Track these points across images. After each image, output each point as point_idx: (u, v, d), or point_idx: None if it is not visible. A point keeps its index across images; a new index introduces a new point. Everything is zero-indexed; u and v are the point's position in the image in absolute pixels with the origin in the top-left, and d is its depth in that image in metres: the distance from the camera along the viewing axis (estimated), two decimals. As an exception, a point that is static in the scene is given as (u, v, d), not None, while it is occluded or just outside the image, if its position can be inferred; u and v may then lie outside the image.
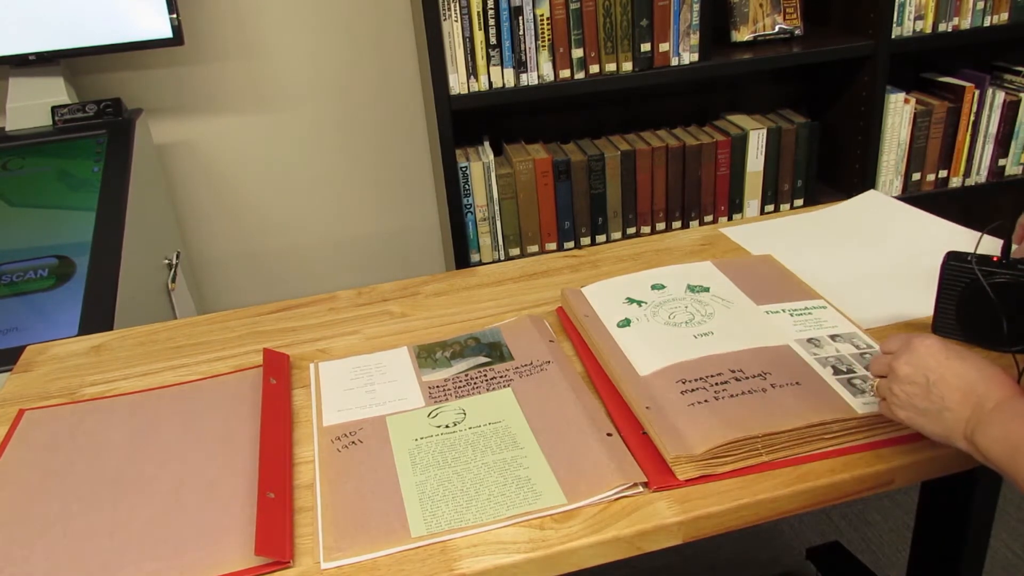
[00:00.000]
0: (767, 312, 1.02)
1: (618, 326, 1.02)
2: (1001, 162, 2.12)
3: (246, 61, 2.01)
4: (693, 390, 0.87)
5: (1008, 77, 2.11)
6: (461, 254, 1.95)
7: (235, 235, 2.18)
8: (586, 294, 1.11)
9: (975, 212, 2.33)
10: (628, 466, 0.81)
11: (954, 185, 2.13)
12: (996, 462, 0.66)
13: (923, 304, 1.02)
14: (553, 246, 2.00)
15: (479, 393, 0.96)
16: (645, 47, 1.84)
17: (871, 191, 1.32)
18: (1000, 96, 2.04)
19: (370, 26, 2.03)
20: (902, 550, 1.71)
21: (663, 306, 1.06)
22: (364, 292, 1.24)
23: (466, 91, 1.79)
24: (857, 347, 0.94)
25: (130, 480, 0.87)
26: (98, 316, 1.37)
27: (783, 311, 1.02)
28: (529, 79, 1.81)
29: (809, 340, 0.96)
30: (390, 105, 2.12)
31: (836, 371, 0.89)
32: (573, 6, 1.77)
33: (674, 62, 1.87)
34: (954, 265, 0.93)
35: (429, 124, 2.06)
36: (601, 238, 2.01)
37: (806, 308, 1.03)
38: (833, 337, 0.96)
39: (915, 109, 2.02)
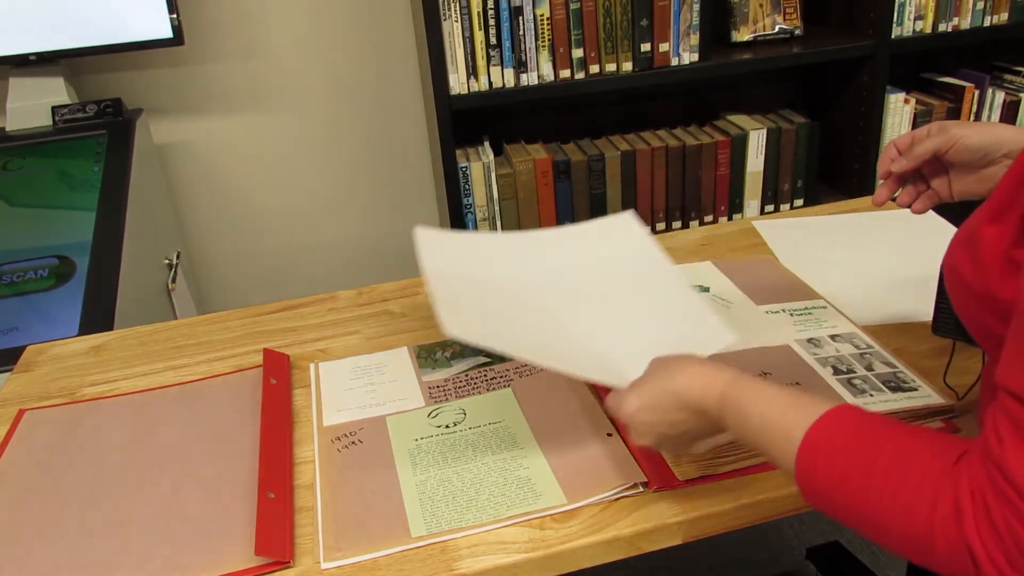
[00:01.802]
0: (767, 312, 1.02)
1: (618, 326, 1.02)
2: (1001, 162, 2.12)
3: (246, 61, 2.01)
4: (693, 390, 0.87)
5: (1008, 77, 2.11)
6: (461, 254, 1.95)
7: (235, 235, 2.18)
8: (586, 294, 1.10)
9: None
10: (628, 466, 0.81)
11: (954, 185, 2.12)
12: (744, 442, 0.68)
13: (923, 304, 1.02)
14: (553, 246, 1.99)
15: (479, 393, 0.96)
16: (645, 47, 1.84)
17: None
18: (1000, 96, 2.04)
19: (370, 26, 2.03)
20: (902, 550, 1.71)
21: (663, 306, 1.06)
22: (364, 292, 1.24)
23: (466, 91, 1.79)
24: (857, 347, 0.94)
25: (130, 480, 0.87)
26: (98, 316, 1.37)
27: (783, 311, 1.02)
28: (529, 79, 1.81)
29: (809, 340, 0.96)
30: (390, 105, 2.12)
31: (836, 371, 0.89)
32: (573, 6, 1.77)
33: (674, 62, 1.87)
34: (954, 265, 0.93)
35: (429, 124, 2.06)
36: (601, 238, 2.01)
37: (806, 308, 1.03)
38: (833, 337, 0.96)
39: (915, 109, 2.02)
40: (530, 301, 0.89)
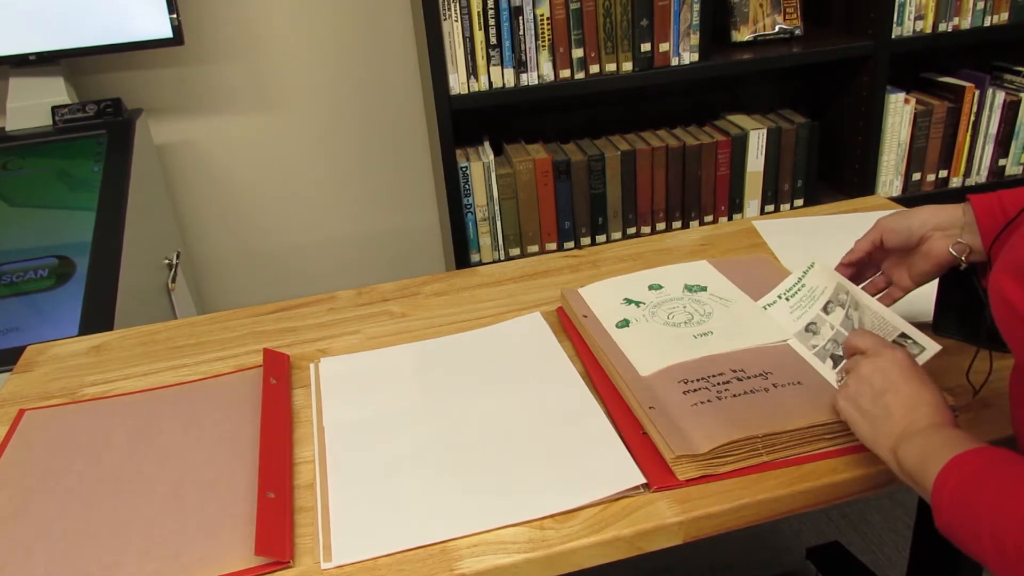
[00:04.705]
0: (764, 306, 1.02)
1: (617, 327, 1.02)
2: (1001, 162, 2.12)
3: (246, 61, 2.01)
4: (696, 390, 0.87)
5: (1008, 77, 2.11)
6: (461, 254, 1.95)
7: (235, 235, 2.18)
8: (584, 295, 1.10)
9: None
10: (628, 466, 0.81)
11: (954, 185, 2.13)
12: (909, 472, 0.69)
13: (923, 304, 1.02)
14: (553, 246, 2.00)
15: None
16: (645, 47, 1.84)
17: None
18: (1000, 96, 2.04)
19: (370, 26, 2.03)
20: (902, 550, 1.71)
21: (661, 306, 1.06)
22: (364, 292, 1.24)
23: (466, 91, 1.79)
24: (848, 316, 0.92)
25: (130, 480, 0.87)
26: (98, 316, 1.37)
27: (778, 298, 1.01)
28: (529, 79, 1.81)
29: (806, 328, 0.95)
30: (390, 105, 2.12)
31: (836, 362, 0.89)
32: (573, 6, 1.77)
33: (674, 62, 1.87)
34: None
35: (429, 124, 2.06)
36: (601, 238, 2.01)
37: (797, 280, 1.01)
38: (826, 308, 0.94)
39: (915, 109, 2.02)
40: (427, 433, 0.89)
